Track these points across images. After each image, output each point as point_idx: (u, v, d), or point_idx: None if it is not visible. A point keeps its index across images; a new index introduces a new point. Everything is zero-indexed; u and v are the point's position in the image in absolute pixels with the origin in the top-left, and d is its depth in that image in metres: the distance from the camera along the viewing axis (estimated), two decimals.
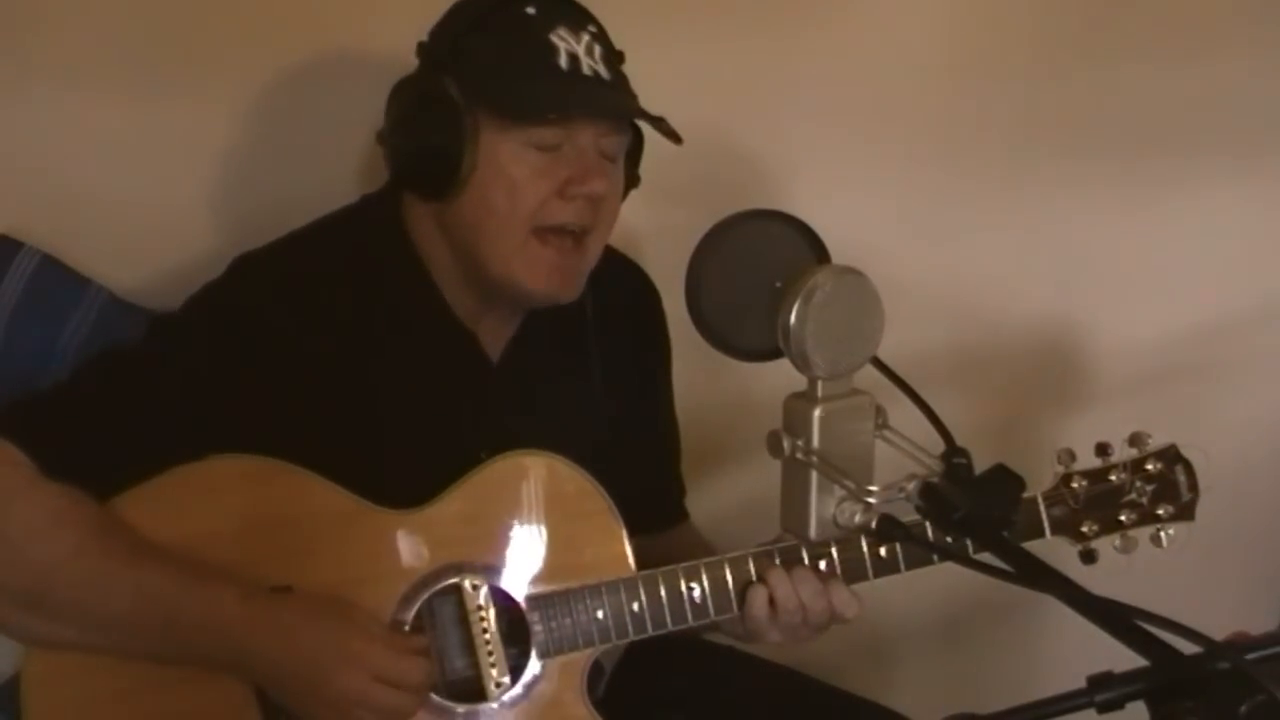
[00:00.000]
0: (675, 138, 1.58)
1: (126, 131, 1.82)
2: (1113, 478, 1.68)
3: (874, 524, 1.15)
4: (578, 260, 1.61)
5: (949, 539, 1.44)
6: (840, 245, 1.21)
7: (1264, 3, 2.42)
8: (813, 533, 1.15)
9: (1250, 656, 1.04)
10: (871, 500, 1.14)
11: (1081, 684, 1.07)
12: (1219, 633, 1.04)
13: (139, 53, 1.83)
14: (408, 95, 1.60)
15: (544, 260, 1.58)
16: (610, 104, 1.59)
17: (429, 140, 1.56)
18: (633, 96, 1.62)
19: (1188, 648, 1.01)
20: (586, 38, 1.57)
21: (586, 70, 1.56)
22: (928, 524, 1.47)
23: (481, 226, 1.58)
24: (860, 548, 1.63)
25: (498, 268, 1.59)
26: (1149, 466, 1.69)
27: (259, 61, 1.87)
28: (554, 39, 1.55)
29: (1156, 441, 1.70)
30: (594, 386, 1.72)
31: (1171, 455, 1.70)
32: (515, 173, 1.56)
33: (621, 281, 1.78)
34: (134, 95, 1.82)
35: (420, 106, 1.57)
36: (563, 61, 1.55)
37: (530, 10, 1.56)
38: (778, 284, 1.13)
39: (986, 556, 1.13)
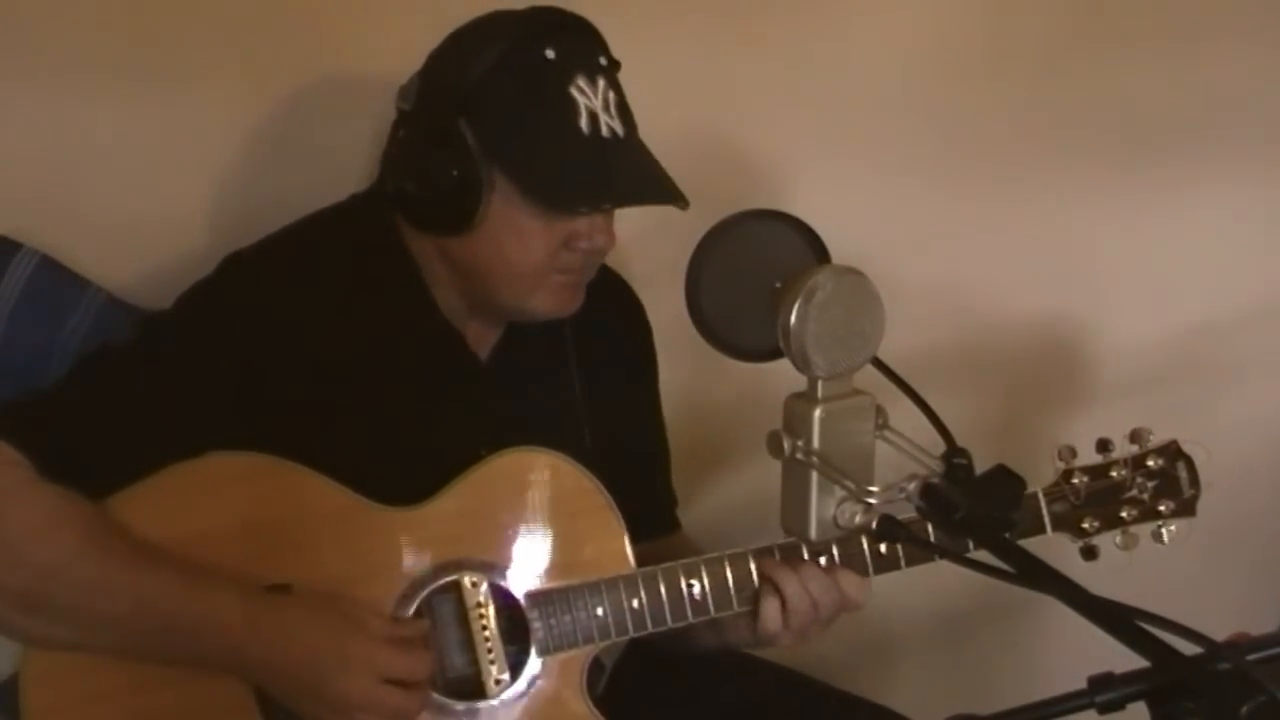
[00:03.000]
0: (684, 206, 1.57)
1: (126, 132, 1.82)
2: (1114, 474, 1.69)
3: (874, 524, 1.15)
4: (585, 279, 1.64)
5: (949, 539, 1.43)
6: (840, 245, 1.20)
7: (1264, 3, 2.42)
8: (813, 533, 1.15)
9: (1251, 657, 1.04)
10: (872, 500, 1.13)
11: (1082, 684, 1.07)
12: (1220, 633, 1.04)
13: (138, 54, 1.83)
14: (421, 129, 1.58)
15: (560, 286, 1.61)
16: (634, 189, 1.59)
17: (441, 183, 1.55)
18: (638, 141, 1.61)
19: (1189, 648, 1.01)
20: (602, 84, 1.56)
21: (605, 131, 1.55)
22: (929, 524, 1.48)
23: (492, 270, 1.59)
24: (860, 544, 1.63)
25: (510, 302, 1.62)
26: (1150, 463, 1.69)
27: (257, 63, 1.87)
28: (574, 93, 1.54)
29: (1158, 438, 1.70)
30: (576, 392, 1.72)
31: (1173, 451, 1.71)
32: (527, 230, 1.56)
33: (604, 293, 1.78)
34: (133, 96, 1.82)
35: (435, 146, 1.55)
36: (584, 123, 1.54)
37: (550, 54, 1.54)
38: (778, 284, 1.13)
39: (987, 556, 1.13)
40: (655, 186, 1.58)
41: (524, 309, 1.62)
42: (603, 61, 1.58)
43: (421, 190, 1.57)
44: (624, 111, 1.59)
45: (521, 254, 1.57)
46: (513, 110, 1.54)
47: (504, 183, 1.55)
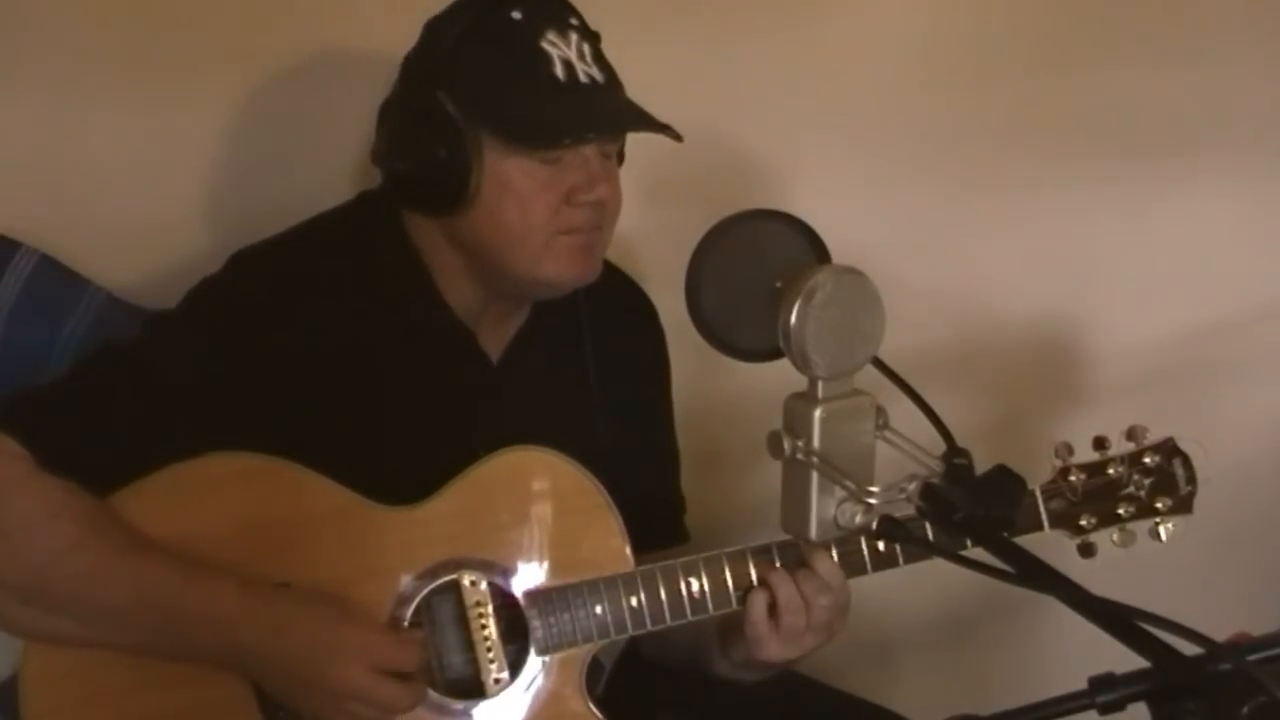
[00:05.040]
0: (678, 138, 1.58)
1: (125, 131, 1.82)
2: (1110, 471, 1.68)
3: (875, 525, 1.15)
4: (597, 240, 1.62)
5: (949, 539, 1.43)
6: (840, 245, 1.20)
7: (1263, 3, 2.42)
8: (813, 533, 1.15)
9: (1252, 658, 1.04)
10: (872, 501, 1.13)
11: (1083, 685, 1.07)
12: (1221, 634, 1.04)
13: (137, 53, 1.83)
14: (402, 114, 1.60)
15: (569, 249, 1.59)
16: (618, 119, 1.60)
17: (430, 161, 1.55)
18: (621, 89, 1.61)
19: (1189, 649, 1.01)
20: (575, 37, 1.57)
21: (583, 77, 1.56)
22: (927, 524, 1.48)
23: (496, 240, 1.58)
24: (859, 542, 1.63)
25: (524, 272, 1.60)
26: (1147, 460, 1.69)
27: (257, 62, 1.87)
28: (545, 46, 1.55)
29: (1154, 435, 1.70)
30: (591, 394, 1.72)
31: (1169, 448, 1.70)
32: (523, 187, 1.56)
33: (620, 299, 1.79)
34: (132, 96, 1.82)
35: (418, 125, 1.56)
36: (559, 71, 1.55)
37: (516, 15, 1.55)
38: (778, 284, 1.12)
39: (986, 556, 1.13)
40: (640, 117, 1.59)
41: (537, 278, 1.61)
42: (574, 21, 1.58)
43: (415, 170, 1.58)
44: (602, 62, 1.59)
45: (520, 215, 1.57)
46: (486, 71, 1.55)
47: (490, 142, 1.55)
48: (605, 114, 1.59)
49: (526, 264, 1.59)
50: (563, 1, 1.60)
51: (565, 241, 1.59)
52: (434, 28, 1.61)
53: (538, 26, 1.55)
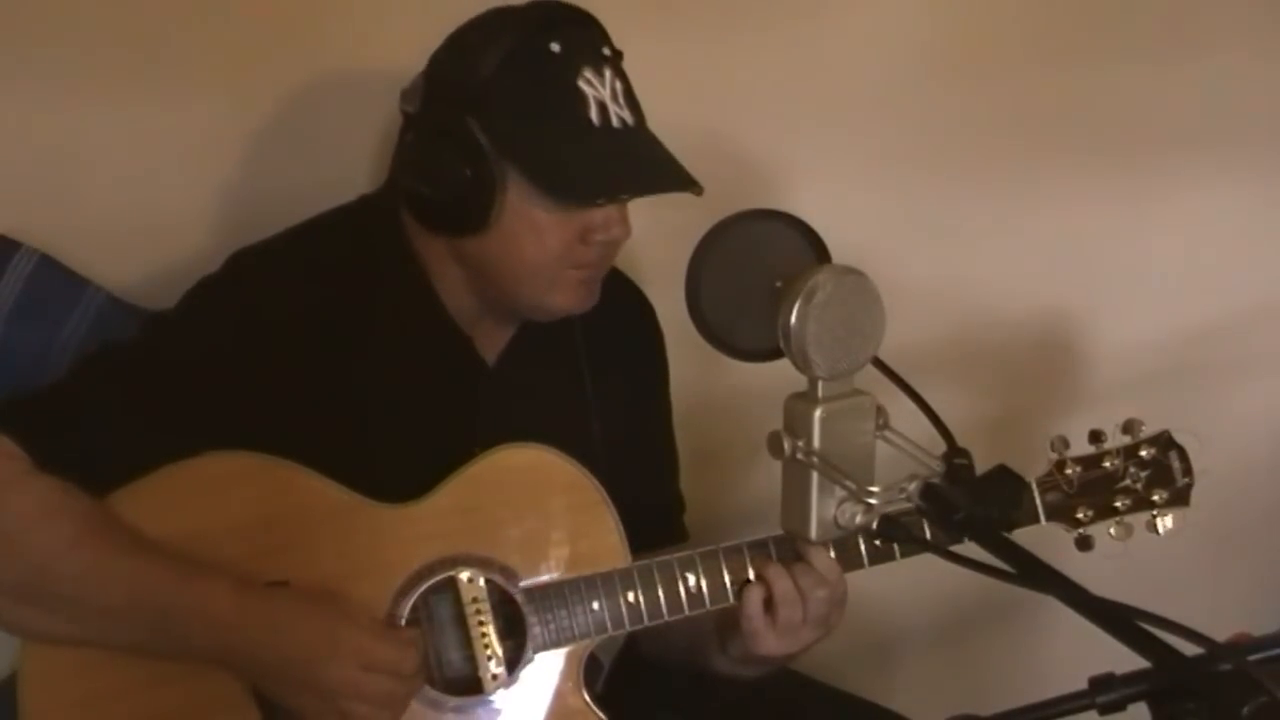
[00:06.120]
0: (699, 192, 1.56)
1: (126, 132, 1.82)
2: (1107, 464, 1.68)
3: (875, 525, 1.15)
4: (600, 274, 1.64)
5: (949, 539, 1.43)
6: (840, 245, 1.20)
7: (1263, 2, 2.42)
8: (813, 534, 1.15)
9: (1253, 658, 1.04)
10: (872, 501, 1.14)
11: (1083, 685, 1.07)
12: (1222, 634, 1.04)
13: (139, 53, 1.83)
14: (428, 132, 1.58)
15: (575, 282, 1.61)
16: (649, 178, 1.58)
17: (453, 184, 1.55)
18: (645, 125, 1.61)
19: (1190, 649, 1.01)
20: (609, 74, 1.56)
21: (615, 121, 1.55)
22: (925, 523, 1.48)
23: (507, 268, 1.59)
24: (855, 537, 1.63)
25: (529, 299, 1.62)
26: (1143, 452, 1.69)
27: (258, 61, 1.87)
28: (582, 86, 1.54)
29: (1150, 428, 1.70)
30: (587, 396, 1.72)
31: (1165, 441, 1.71)
32: (543, 225, 1.56)
33: (618, 298, 1.78)
34: (134, 96, 1.82)
35: (444, 147, 1.55)
36: (594, 115, 1.54)
37: (555, 48, 1.54)
38: (778, 284, 1.13)
39: (987, 556, 1.13)
40: (671, 174, 1.58)
41: (542, 306, 1.62)
42: (606, 52, 1.58)
43: (435, 192, 1.57)
44: (632, 100, 1.59)
45: (537, 250, 1.57)
46: (522, 106, 1.54)
47: (518, 179, 1.54)
48: (637, 170, 1.58)
49: (533, 293, 1.60)
50: (597, 31, 1.59)
51: (573, 275, 1.60)
52: (466, 44, 1.59)
53: (576, 63, 1.54)
